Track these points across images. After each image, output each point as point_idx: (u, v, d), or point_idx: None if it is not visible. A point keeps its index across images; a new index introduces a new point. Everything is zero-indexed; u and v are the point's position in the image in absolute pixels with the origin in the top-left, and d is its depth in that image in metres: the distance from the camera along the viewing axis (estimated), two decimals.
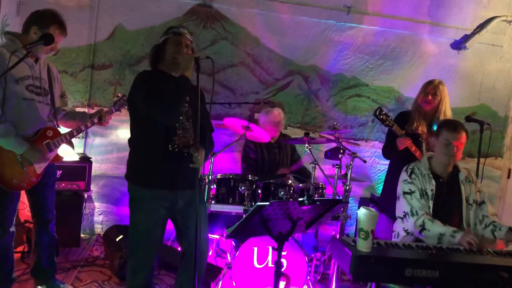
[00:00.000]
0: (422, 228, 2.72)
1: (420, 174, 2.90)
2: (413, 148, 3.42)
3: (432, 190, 2.87)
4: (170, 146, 2.49)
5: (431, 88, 3.56)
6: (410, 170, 2.93)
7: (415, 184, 2.86)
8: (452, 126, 2.88)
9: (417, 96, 3.65)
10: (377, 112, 3.38)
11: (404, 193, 2.87)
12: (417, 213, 2.78)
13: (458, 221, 2.88)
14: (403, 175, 2.95)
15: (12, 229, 2.90)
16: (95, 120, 3.05)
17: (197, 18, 4.55)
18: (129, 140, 2.64)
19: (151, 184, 2.53)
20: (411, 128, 3.54)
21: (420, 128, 3.54)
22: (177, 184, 2.54)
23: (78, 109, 4.38)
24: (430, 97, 3.56)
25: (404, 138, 3.38)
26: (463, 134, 2.86)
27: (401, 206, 2.88)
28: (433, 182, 2.89)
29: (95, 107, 4.46)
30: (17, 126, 2.76)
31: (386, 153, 3.73)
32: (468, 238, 2.58)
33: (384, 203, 3.75)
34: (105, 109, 3.15)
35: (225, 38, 4.64)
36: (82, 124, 3.05)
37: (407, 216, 2.82)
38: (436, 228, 2.69)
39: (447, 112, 3.58)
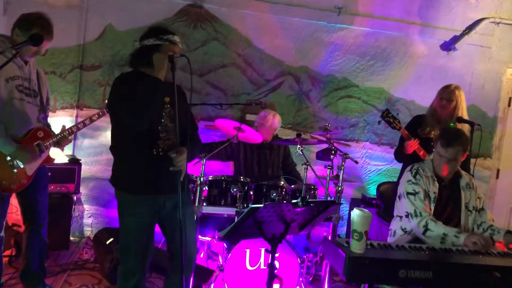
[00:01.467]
0: (426, 228, 2.72)
1: (425, 175, 2.90)
2: (421, 152, 3.41)
3: (435, 193, 2.88)
4: (154, 150, 2.45)
5: (446, 93, 3.56)
6: (414, 171, 2.93)
7: (419, 185, 2.86)
8: (446, 140, 2.82)
9: (433, 100, 3.66)
10: (385, 113, 3.38)
11: (408, 193, 2.86)
12: (420, 214, 2.77)
13: (455, 226, 2.88)
14: (408, 175, 2.94)
15: (2, 233, 2.85)
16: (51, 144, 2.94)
17: (187, 19, 4.53)
18: (111, 147, 2.57)
19: (138, 191, 2.49)
20: (424, 132, 3.54)
21: (433, 132, 3.53)
22: (165, 189, 2.50)
23: (67, 111, 4.37)
24: (444, 102, 3.55)
25: (412, 140, 3.37)
26: (457, 150, 2.81)
27: (403, 206, 2.88)
28: (437, 184, 2.90)
29: (84, 108, 4.42)
30: (7, 126, 2.71)
31: (397, 156, 3.74)
32: (474, 239, 2.59)
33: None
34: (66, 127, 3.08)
35: (216, 38, 4.61)
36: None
37: (409, 216, 2.82)
38: (439, 228, 2.70)
39: (464, 117, 3.57)
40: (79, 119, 4.08)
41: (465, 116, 3.61)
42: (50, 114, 3.53)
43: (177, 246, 2.52)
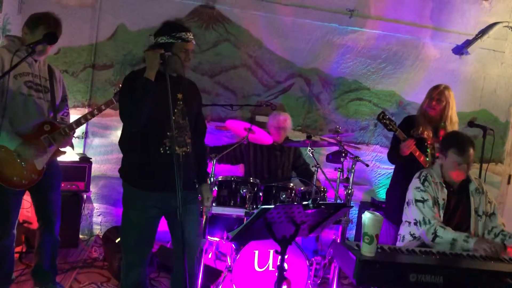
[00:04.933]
0: (435, 235, 2.71)
1: (433, 182, 2.88)
2: (417, 153, 3.41)
3: (443, 199, 2.85)
4: (161, 149, 2.46)
5: (436, 94, 3.55)
6: (423, 178, 2.90)
7: (428, 192, 2.84)
8: (459, 148, 2.79)
9: (423, 101, 3.64)
10: (381, 116, 3.37)
11: (417, 201, 2.84)
12: (429, 221, 2.75)
13: (465, 231, 2.86)
14: (416, 182, 2.91)
15: (14, 231, 2.88)
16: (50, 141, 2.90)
17: (199, 19, 4.53)
18: (119, 142, 2.60)
19: (143, 186, 2.51)
20: (417, 133, 3.53)
21: (425, 133, 3.52)
22: (170, 186, 2.51)
23: (78, 109, 4.39)
24: (434, 102, 3.54)
25: (408, 140, 3.36)
26: (471, 152, 2.81)
27: (412, 213, 2.86)
28: (445, 191, 2.87)
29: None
30: (15, 121, 2.73)
31: (390, 157, 3.72)
32: (484, 246, 2.57)
33: (389, 208, 3.73)
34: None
35: (227, 39, 4.62)
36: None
37: (418, 224, 2.80)
38: (448, 234, 2.68)
39: (453, 117, 3.56)
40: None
41: (455, 117, 3.59)
42: None
43: (179, 242, 2.58)
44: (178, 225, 2.59)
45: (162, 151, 2.46)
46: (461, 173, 2.86)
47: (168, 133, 2.45)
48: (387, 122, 3.37)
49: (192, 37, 2.51)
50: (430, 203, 2.80)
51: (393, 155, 3.64)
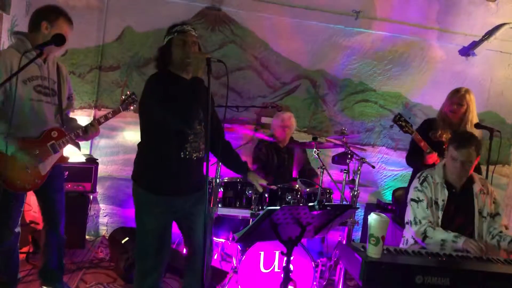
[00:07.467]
0: (424, 236, 2.71)
1: (433, 182, 2.87)
2: (438, 161, 3.40)
3: (443, 200, 2.84)
4: (182, 153, 2.45)
5: (457, 98, 3.53)
6: (422, 178, 2.90)
7: (424, 193, 2.83)
8: (459, 142, 2.77)
9: (443, 104, 3.63)
10: (397, 118, 3.37)
11: (412, 200, 2.86)
12: (420, 222, 2.77)
13: (469, 233, 2.84)
14: (415, 182, 2.93)
15: (18, 229, 2.88)
16: (79, 133, 2.90)
17: (205, 21, 4.55)
18: (139, 144, 2.58)
19: (160, 191, 2.50)
20: (435, 136, 3.52)
21: (444, 136, 3.51)
22: (186, 190, 2.53)
23: (85, 110, 4.42)
24: (455, 106, 3.53)
25: (433, 154, 3.35)
26: (471, 151, 2.75)
27: (407, 213, 2.87)
28: (446, 192, 2.86)
29: (102, 109, 4.45)
30: (22, 127, 2.70)
31: (410, 161, 3.72)
32: (472, 245, 2.58)
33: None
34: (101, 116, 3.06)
35: (233, 41, 4.63)
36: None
37: (409, 224, 2.82)
38: (437, 234, 2.69)
39: (473, 120, 3.55)
40: None
41: (476, 120, 3.57)
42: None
43: (194, 244, 2.60)
44: (191, 228, 2.61)
45: (182, 156, 2.45)
46: (459, 171, 2.81)
47: (189, 138, 2.45)
48: (403, 124, 3.37)
49: (190, 28, 2.49)
50: (424, 204, 2.80)
51: (413, 159, 3.63)
